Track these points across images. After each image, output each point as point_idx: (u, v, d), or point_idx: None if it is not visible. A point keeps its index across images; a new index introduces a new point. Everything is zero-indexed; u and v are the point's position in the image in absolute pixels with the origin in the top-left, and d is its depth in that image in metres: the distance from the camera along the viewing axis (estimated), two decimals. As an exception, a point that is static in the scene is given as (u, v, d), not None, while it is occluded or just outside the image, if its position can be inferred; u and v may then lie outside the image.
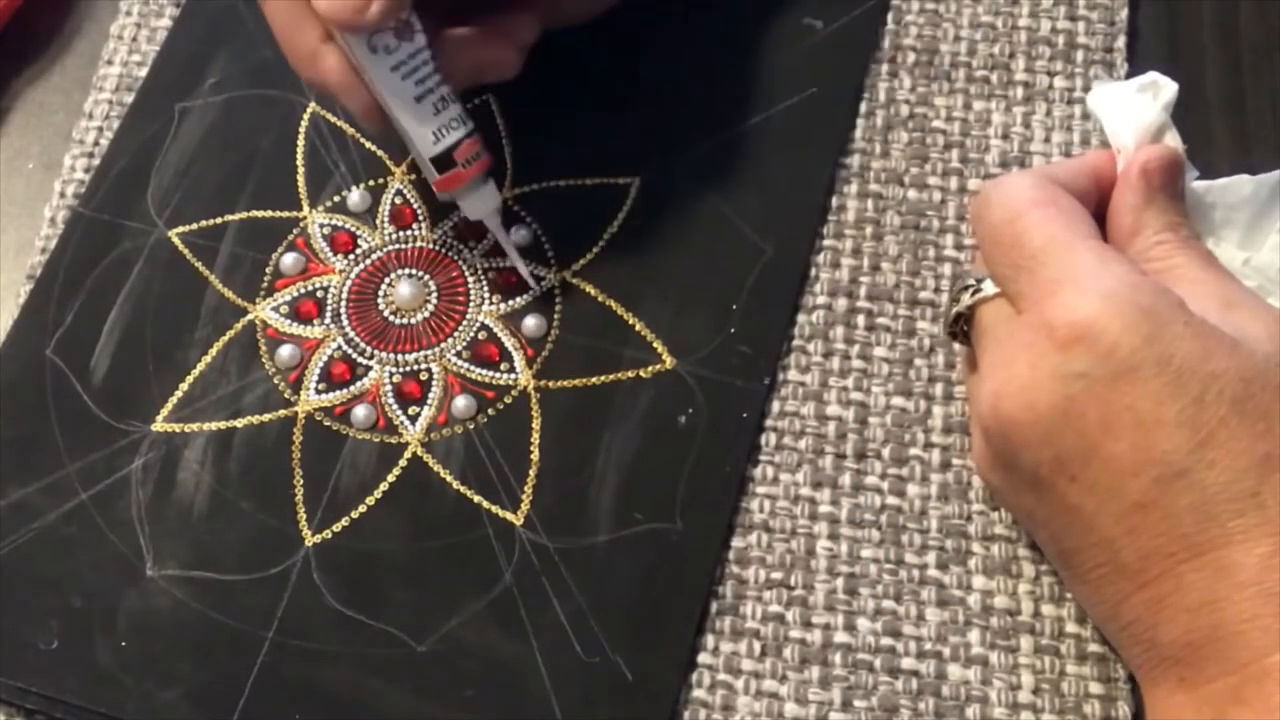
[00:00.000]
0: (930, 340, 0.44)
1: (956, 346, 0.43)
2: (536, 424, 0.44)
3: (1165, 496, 0.33)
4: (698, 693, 0.40)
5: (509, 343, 0.45)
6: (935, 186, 0.47)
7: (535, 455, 0.43)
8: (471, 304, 0.46)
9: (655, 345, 0.44)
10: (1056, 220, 0.37)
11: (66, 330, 0.46)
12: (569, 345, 0.45)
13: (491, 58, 0.43)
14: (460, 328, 0.45)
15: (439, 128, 0.42)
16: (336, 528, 0.43)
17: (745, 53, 0.49)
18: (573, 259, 0.46)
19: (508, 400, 0.44)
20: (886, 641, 0.40)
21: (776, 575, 0.41)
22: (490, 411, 0.44)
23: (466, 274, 0.46)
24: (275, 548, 0.42)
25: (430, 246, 0.47)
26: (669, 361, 0.44)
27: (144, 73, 0.51)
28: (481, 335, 0.45)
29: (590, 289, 0.46)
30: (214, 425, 0.44)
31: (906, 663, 0.40)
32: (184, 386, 0.45)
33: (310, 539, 0.42)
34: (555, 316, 0.45)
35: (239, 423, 0.44)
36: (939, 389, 0.44)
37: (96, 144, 0.49)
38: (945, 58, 0.49)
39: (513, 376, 0.44)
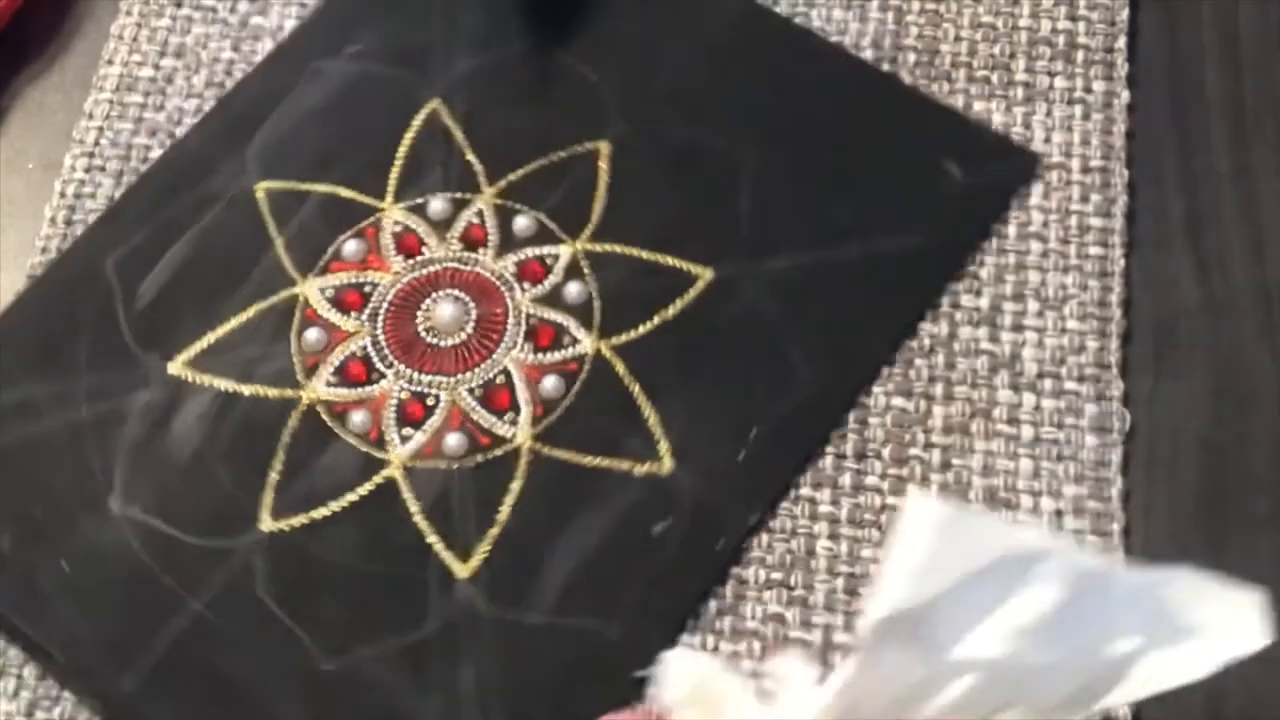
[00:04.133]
0: (930, 340, 0.44)
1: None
2: (517, 485, 0.42)
3: None
4: (698, 693, 0.40)
5: (522, 395, 0.44)
6: (936, 186, 0.47)
7: (504, 514, 0.42)
8: (503, 345, 0.45)
9: (660, 444, 0.43)
10: None
11: (130, 250, 0.46)
12: (577, 415, 0.43)
13: None
14: (483, 365, 0.44)
15: None
16: (295, 522, 0.42)
17: (870, 176, 0.47)
18: (616, 332, 0.45)
19: (498, 452, 0.43)
20: (886, 641, 0.40)
21: (776, 575, 0.41)
22: (479, 458, 0.43)
23: (510, 313, 0.45)
24: (232, 522, 0.42)
25: (487, 275, 0.46)
26: (667, 464, 0.42)
27: (145, 72, 0.51)
28: (500, 379, 0.44)
29: (620, 367, 0.44)
30: (223, 383, 0.44)
31: (906, 663, 0.40)
32: (211, 337, 0.45)
33: (267, 524, 0.42)
34: (576, 383, 0.44)
35: (245, 389, 0.44)
36: (939, 389, 0.44)
37: (96, 144, 0.50)
38: (945, 58, 0.49)
39: (513, 430, 0.43)
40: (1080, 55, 0.49)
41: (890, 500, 0.42)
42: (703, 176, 0.47)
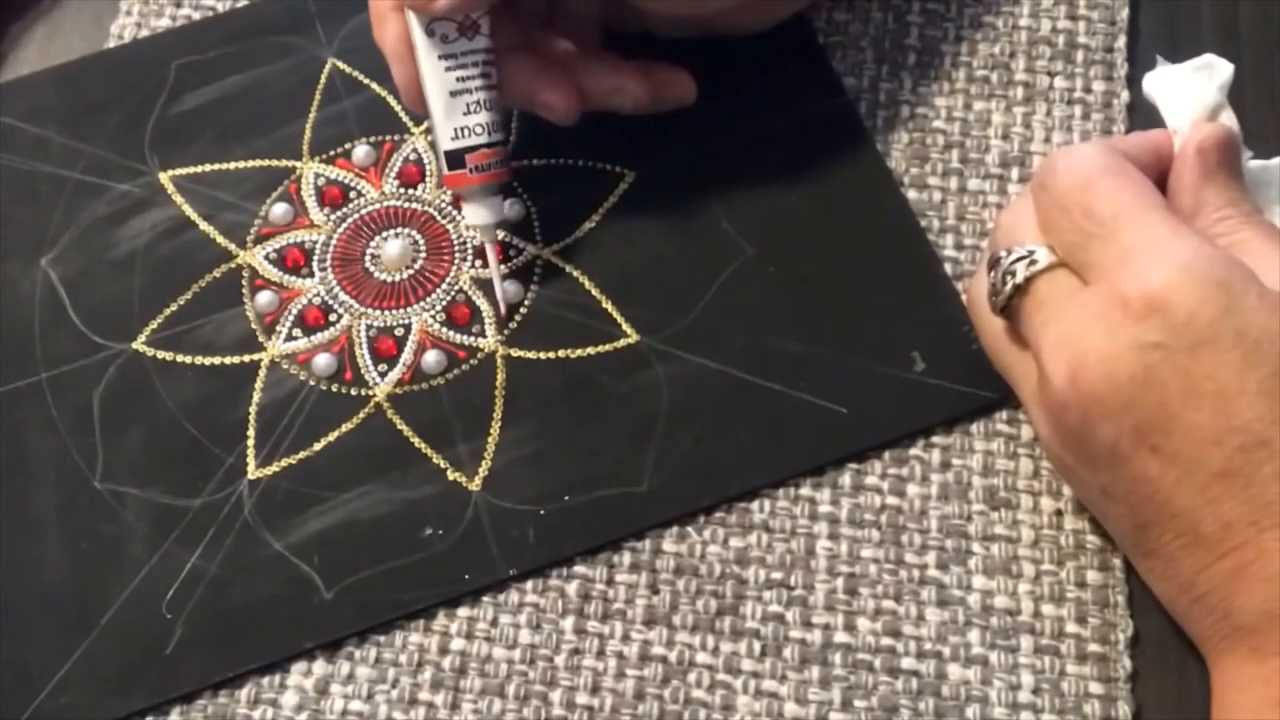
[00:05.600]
0: (930, 340, 0.44)
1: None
2: (500, 389, 0.44)
3: (1249, 465, 0.34)
4: (697, 693, 0.40)
5: (484, 307, 0.46)
6: (935, 186, 0.47)
7: (497, 418, 0.44)
8: (454, 267, 0.47)
9: (623, 324, 0.45)
10: (1128, 189, 0.37)
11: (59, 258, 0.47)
12: (540, 316, 0.45)
13: (542, 99, 0.44)
14: (440, 289, 0.46)
15: (462, 127, 0.43)
16: (282, 464, 0.43)
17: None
18: (558, 237, 0.47)
19: (474, 362, 0.45)
20: (886, 641, 0.40)
21: (776, 575, 0.41)
22: (457, 371, 0.45)
23: (454, 238, 0.47)
24: (215, 476, 0.43)
25: (427, 209, 0.48)
26: (635, 338, 0.45)
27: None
28: (459, 298, 0.46)
29: (568, 266, 0.46)
30: (185, 358, 0.45)
31: (906, 663, 0.40)
32: (166, 313, 0.46)
33: (253, 473, 0.43)
34: (532, 288, 0.46)
35: (208, 360, 0.45)
36: (939, 389, 0.44)
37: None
38: (945, 58, 0.49)
39: (483, 340, 0.45)
40: (1080, 55, 0.49)
41: (890, 500, 0.42)
42: None
